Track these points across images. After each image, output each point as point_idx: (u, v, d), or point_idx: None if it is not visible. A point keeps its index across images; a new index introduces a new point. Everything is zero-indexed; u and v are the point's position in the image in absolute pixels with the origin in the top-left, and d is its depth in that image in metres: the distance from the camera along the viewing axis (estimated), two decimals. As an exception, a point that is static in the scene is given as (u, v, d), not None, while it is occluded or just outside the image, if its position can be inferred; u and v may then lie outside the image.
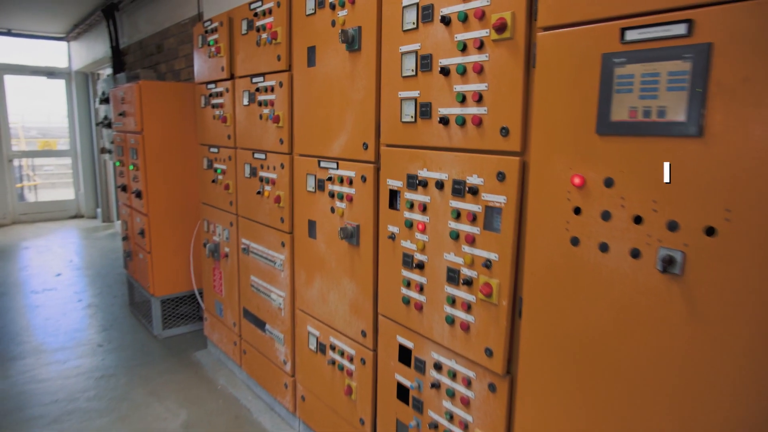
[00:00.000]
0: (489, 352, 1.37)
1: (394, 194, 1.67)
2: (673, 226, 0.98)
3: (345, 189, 1.87)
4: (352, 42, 1.73)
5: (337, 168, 1.90)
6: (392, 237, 1.66)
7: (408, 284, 1.62)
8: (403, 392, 1.71)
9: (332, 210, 1.95)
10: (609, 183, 1.08)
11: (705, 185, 0.94)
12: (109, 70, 6.86)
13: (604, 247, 1.10)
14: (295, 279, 2.28)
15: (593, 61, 1.08)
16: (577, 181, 1.13)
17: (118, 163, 3.97)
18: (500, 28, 1.24)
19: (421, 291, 1.57)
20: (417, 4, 1.48)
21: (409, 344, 1.66)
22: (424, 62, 1.47)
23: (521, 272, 1.30)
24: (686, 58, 0.94)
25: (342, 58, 1.82)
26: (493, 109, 1.31)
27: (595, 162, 1.10)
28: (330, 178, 1.94)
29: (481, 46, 1.31)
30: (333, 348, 2.05)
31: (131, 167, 3.66)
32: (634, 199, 1.04)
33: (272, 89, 2.29)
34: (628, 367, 1.08)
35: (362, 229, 1.81)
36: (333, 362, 2.05)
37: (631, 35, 1.02)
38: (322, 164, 1.99)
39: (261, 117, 2.38)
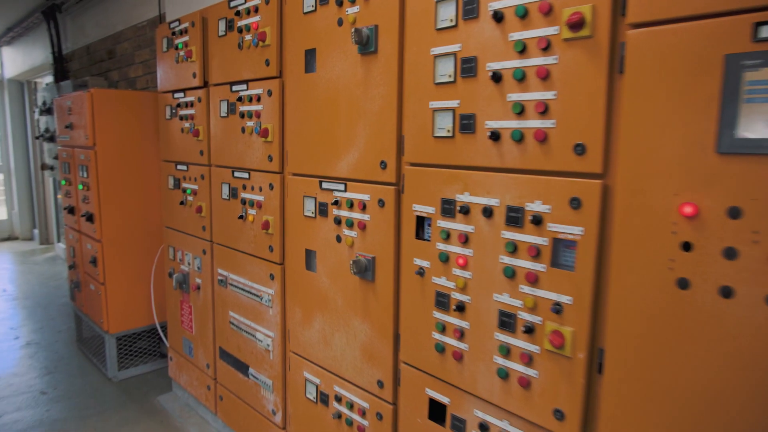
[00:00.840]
0: (560, 415, 1.13)
1: (420, 221, 1.42)
2: (833, 269, 0.79)
3: (356, 215, 1.60)
4: (366, 43, 1.48)
5: (345, 190, 1.63)
6: (421, 272, 1.41)
7: (443, 329, 1.37)
8: (434, 455, 1.44)
9: (338, 239, 1.67)
10: (735, 213, 0.87)
11: None
12: (49, 78, 6.26)
13: (726, 292, 0.89)
14: (288, 317, 1.97)
15: (711, 65, 0.88)
16: (687, 210, 0.92)
17: (64, 182, 3.51)
18: (576, 24, 1.03)
19: (461, 337, 1.32)
20: (456, -3, 1.25)
21: (443, 399, 1.40)
22: (467, 66, 1.24)
23: (600, 319, 1.08)
24: None
25: (352, 62, 1.56)
26: (563, 123, 1.08)
27: (713, 187, 0.89)
28: (336, 202, 1.66)
29: (547, 46, 1.09)
30: (339, 399, 1.75)
31: (80, 186, 3.22)
32: (773, 234, 0.84)
33: (258, 98, 1.99)
34: (759, 441, 0.87)
35: (379, 261, 1.54)
36: (339, 416, 1.76)
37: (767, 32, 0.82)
38: (325, 185, 1.71)
39: (243, 130, 2.08)
